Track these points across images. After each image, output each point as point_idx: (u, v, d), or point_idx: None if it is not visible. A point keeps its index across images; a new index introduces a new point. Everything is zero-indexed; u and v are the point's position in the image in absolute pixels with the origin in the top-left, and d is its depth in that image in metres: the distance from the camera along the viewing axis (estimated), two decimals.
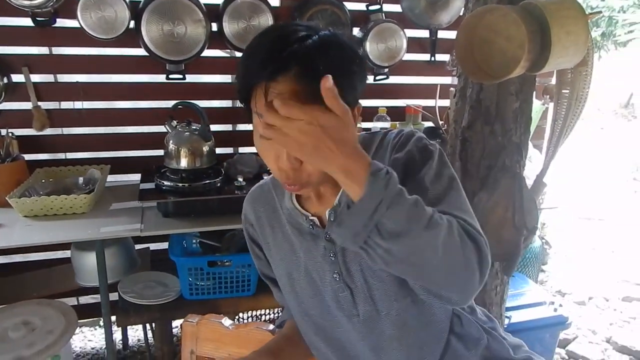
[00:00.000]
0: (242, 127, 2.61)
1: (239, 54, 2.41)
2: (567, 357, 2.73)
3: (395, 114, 2.70)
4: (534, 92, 1.60)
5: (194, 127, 2.15)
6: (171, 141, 2.12)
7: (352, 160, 0.71)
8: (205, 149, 2.14)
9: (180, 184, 2.07)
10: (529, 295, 2.21)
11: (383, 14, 2.56)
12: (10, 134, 2.21)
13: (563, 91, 1.55)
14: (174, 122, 2.17)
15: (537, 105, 2.82)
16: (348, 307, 0.96)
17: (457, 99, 1.65)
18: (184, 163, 2.11)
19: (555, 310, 2.12)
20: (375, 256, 0.74)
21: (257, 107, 0.79)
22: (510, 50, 1.38)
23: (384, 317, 0.95)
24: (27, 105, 2.27)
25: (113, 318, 2.11)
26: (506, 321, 2.05)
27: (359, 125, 0.97)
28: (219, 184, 2.14)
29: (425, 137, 0.93)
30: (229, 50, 2.45)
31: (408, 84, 2.79)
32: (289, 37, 0.78)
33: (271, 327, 1.17)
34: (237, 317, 2.32)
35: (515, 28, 1.33)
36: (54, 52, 2.31)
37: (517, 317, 2.07)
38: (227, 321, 1.18)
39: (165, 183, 2.08)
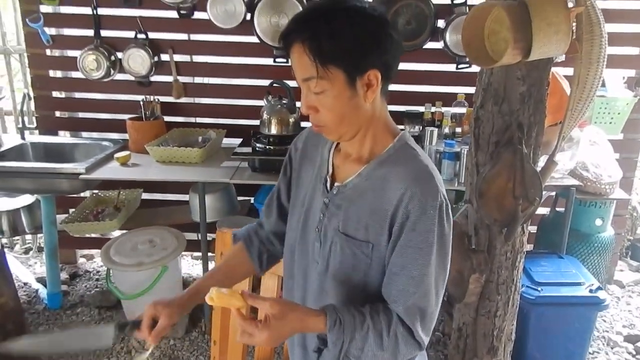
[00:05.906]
0: None
1: None
2: (634, 353, 2.70)
3: None
4: (546, 78, 1.76)
5: (284, 102, 2.63)
6: (265, 112, 2.62)
7: (307, 329, 1.05)
8: (291, 120, 2.61)
9: (268, 146, 2.58)
10: (571, 277, 2.30)
11: (467, 7, 2.76)
12: (155, 100, 2.93)
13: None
14: (270, 97, 2.68)
15: (628, 96, 2.79)
16: (313, 255, 1.16)
17: (477, 83, 1.88)
18: (273, 130, 2.60)
19: (591, 291, 2.20)
20: None
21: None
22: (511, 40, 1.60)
23: (329, 276, 1.13)
24: (169, 79, 2.98)
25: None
26: (535, 293, 2.20)
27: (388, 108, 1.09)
28: None
29: (440, 219, 1.02)
30: None
31: None
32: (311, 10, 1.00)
33: None
34: None
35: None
36: (191, 38, 2.97)
37: (548, 291, 2.21)
38: None
39: (258, 145, 2.60)
